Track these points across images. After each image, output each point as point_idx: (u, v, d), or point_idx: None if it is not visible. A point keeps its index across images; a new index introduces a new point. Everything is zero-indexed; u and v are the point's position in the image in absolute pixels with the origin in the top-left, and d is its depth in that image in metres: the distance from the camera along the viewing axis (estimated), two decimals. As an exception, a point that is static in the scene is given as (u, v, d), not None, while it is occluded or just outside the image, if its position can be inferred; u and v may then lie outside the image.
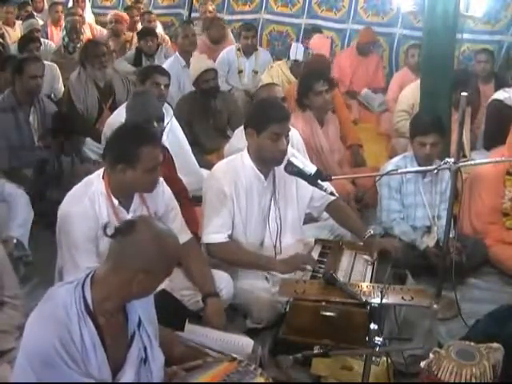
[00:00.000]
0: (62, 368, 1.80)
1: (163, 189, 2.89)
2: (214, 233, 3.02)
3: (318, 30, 6.87)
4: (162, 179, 2.80)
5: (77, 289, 1.90)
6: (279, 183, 3.10)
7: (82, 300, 1.88)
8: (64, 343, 1.81)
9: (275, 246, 3.10)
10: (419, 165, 3.59)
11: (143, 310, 2.05)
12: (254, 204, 3.07)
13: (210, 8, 7.57)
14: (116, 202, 2.67)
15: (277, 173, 3.07)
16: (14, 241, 3.27)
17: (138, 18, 7.53)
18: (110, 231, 1.92)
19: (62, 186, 3.82)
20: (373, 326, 2.04)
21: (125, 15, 7.32)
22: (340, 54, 6.63)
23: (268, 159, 3.01)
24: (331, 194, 2.90)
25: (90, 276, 1.93)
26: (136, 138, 2.60)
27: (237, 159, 3.10)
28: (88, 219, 2.61)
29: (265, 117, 2.95)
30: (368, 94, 6.37)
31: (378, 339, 2.03)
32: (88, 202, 2.63)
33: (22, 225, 3.37)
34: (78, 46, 6.24)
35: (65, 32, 6.46)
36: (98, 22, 8.27)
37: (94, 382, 1.86)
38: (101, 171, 2.72)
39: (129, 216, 2.69)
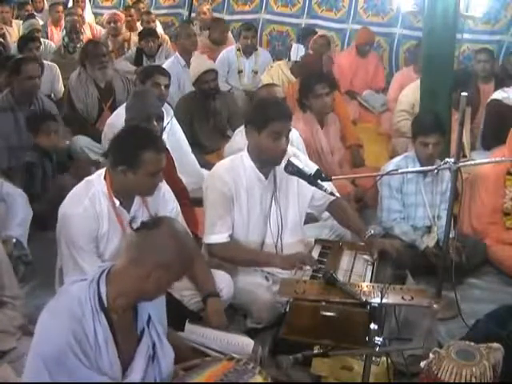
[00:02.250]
0: (75, 363, 1.81)
1: (164, 190, 2.88)
2: (215, 233, 3.02)
3: (312, 30, 6.84)
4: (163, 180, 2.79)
5: (91, 285, 1.91)
6: (280, 182, 3.10)
7: (97, 296, 1.90)
8: (78, 338, 1.82)
9: (276, 246, 3.10)
10: (421, 165, 3.59)
11: (153, 307, 2.07)
12: (255, 204, 3.07)
13: (205, 9, 7.58)
14: (117, 202, 2.67)
15: (277, 172, 3.06)
16: (13, 240, 3.27)
17: (136, 17, 7.55)
18: (135, 225, 1.97)
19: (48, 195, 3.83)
20: (373, 326, 2.04)
21: (122, 14, 7.33)
22: (339, 55, 6.62)
23: (267, 158, 3.01)
24: (331, 193, 2.90)
25: (105, 272, 1.95)
26: (140, 142, 2.59)
27: (237, 159, 3.10)
28: (88, 220, 2.61)
29: (266, 115, 2.94)
30: (370, 95, 6.36)
31: (378, 339, 2.02)
32: (88, 202, 2.62)
33: (20, 224, 3.37)
34: (78, 46, 6.25)
35: (65, 32, 6.47)
36: (98, 22, 8.28)
37: (106, 379, 1.88)
38: (102, 171, 2.72)
39: (129, 216, 2.69)
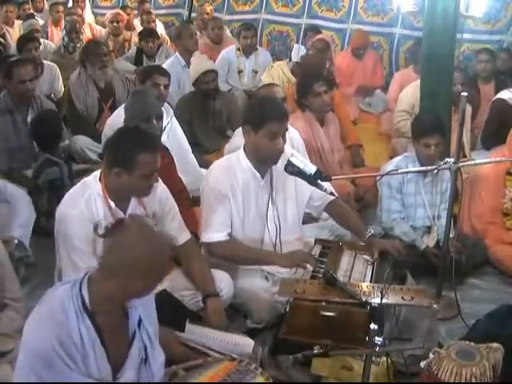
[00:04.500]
0: (62, 368, 1.80)
1: (161, 189, 2.87)
2: (214, 232, 3.02)
3: (315, 29, 6.86)
4: (159, 179, 2.77)
5: (74, 287, 1.89)
6: (277, 182, 3.09)
7: (80, 298, 1.87)
8: (63, 343, 1.81)
9: (275, 246, 3.10)
10: (421, 165, 3.58)
11: (144, 309, 2.05)
12: (251, 203, 3.07)
13: (208, 9, 7.58)
14: (113, 203, 2.66)
15: (274, 172, 3.06)
16: (15, 241, 3.27)
17: (132, 17, 7.57)
18: (101, 231, 1.91)
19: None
20: (373, 326, 2.04)
21: (125, 14, 7.34)
22: (336, 56, 6.62)
23: (264, 158, 3.01)
24: (331, 194, 2.90)
25: (87, 275, 1.93)
26: (135, 143, 2.57)
27: (233, 158, 3.11)
28: (84, 221, 2.59)
29: (262, 114, 2.94)
30: (377, 96, 6.40)
31: (378, 339, 2.02)
32: (84, 204, 2.62)
33: (23, 225, 3.37)
34: (78, 45, 6.25)
35: (64, 32, 6.46)
36: (97, 22, 8.28)
37: (93, 381, 1.87)
38: (97, 173, 2.71)
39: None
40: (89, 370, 1.87)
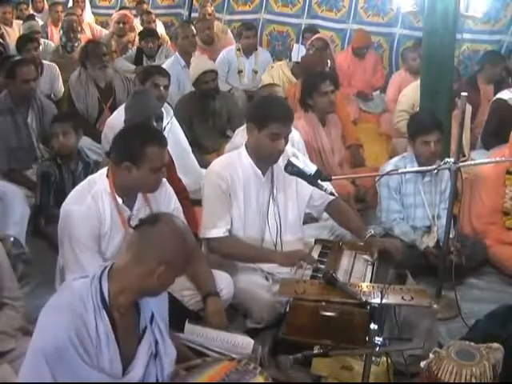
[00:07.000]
0: (74, 359, 1.81)
1: (166, 188, 2.89)
2: (214, 228, 3.03)
3: (314, 29, 6.86)
4: (164, 179, 2.80)
5: (93, 282, 1.92)
6: (278, 180, 3.10)
7: (99, 293, 1.90)
8: (79, 334, 1.83)
9: (276, 244, 3.10)
10: (419, 165, 3.58)
11: (156, 305, 2.07)
12: (252, 199, 3.07)
13: (210, 10, 7.57)
14: (120, 200, 2.68)
15: (275, 169, 3.07)
16: (11, 239, 3.27)
17: (132, 19, 7.56)
18: (133, 223, 2.00)
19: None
20: (373, 326, 2.04)
21: (131, 16, 7.32)
22: (337, 56, 6.63)
23: (264, 157, 3.02)
24: (331, 194, 2.90)
25: (107, 269, 1.95)
26: (144, 137, 2.61)
27: (234, 155, 3.12)
28: (91, 218, 2.61)
29: (267, 114, 2.94)
30: (376, 97, 6.41)
31: (378, 339, 2.02)
32: (91, 200, 2.63)
33: (18, 223, 3.37)
34: (76, 45, 6.25)
35: (62, 32, 6.45)
36: (96, 22, 8.28)
37: (105, 377, 1.88)
38: (104, 170, 2.73)
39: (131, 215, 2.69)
40: (101, 363, 1.88)
